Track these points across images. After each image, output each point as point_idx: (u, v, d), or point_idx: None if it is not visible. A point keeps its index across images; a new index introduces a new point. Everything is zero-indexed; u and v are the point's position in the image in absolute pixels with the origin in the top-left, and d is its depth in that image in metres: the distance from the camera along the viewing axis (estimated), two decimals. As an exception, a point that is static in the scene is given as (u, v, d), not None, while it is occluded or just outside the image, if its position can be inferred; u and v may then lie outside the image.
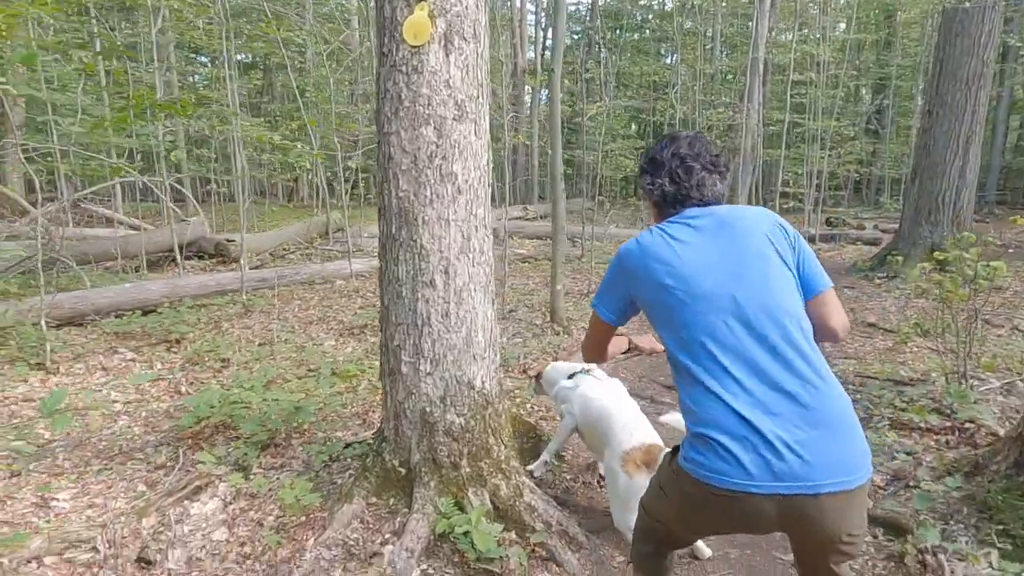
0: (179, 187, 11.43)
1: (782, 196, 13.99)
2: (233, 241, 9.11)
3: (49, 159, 9.85)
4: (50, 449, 3.54)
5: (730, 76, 23.46)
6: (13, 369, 4.74)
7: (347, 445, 3.29)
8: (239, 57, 19.67)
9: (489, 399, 2.78)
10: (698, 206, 1.64)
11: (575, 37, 27.12)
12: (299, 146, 5.13)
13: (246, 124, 6.54)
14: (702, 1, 19.46)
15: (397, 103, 2.51)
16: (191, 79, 19.55)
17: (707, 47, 21.52)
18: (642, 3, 28.28)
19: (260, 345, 5.14)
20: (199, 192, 18.59)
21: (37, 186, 6.31)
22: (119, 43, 10.18)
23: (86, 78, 8.78)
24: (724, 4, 21.59)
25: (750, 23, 19.75)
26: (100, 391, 4.52)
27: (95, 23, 10.47)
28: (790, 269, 1.52)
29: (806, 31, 18.34)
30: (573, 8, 29.52)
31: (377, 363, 4.61)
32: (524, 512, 2.61)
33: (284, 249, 9.87)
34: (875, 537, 2.64)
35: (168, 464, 3.37)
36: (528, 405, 3.94)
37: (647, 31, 28.32)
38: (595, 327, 1.79)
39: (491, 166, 2.75)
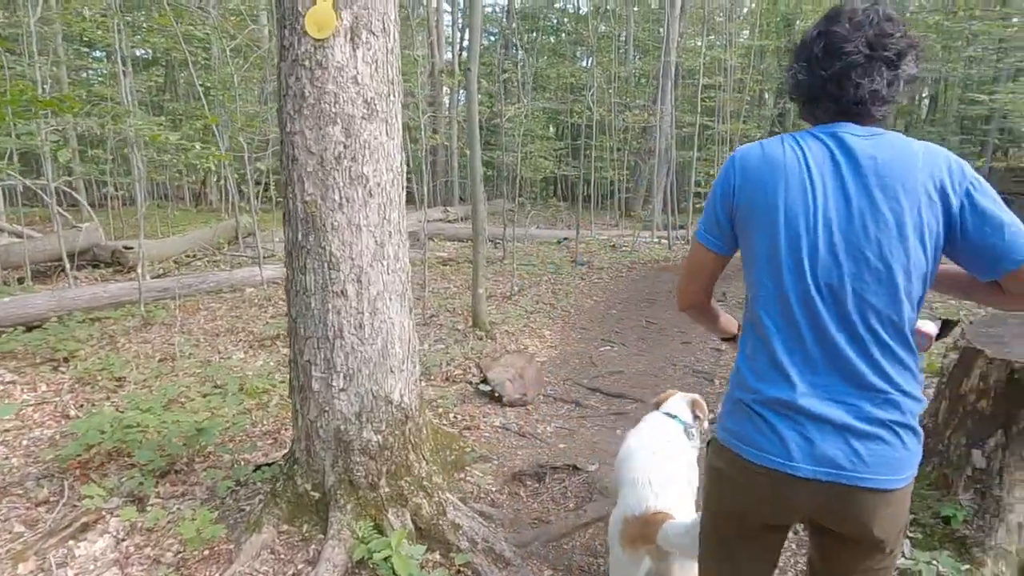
0: (70, 191, 10.56)
1: (695, 196, 14.47)
2: (131, 248, 8.49)
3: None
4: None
5: (643, 80, 24.08)
6: None
7: (256, 468, 3.06)
8: (138, 52, 18.47)
9: (409, 413, 2.64)
10: (853, 120, 1.29)
11: (492, 38, 27.11)
12: (198, 147, 4.78)
13: (141, 123, 6.07)
14: (616, 5, 19.85)
15: (300, 100, 2.33)
16: (84, 74, 18.20)
17: (621, 51, 21.99)
18: (557, 6, 28.61)
19: (160, 361, 4.77)
20: (95, 196, 17.31)
21: None
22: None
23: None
24: (636, 8, 22.13)
25: (661, 28, 20.36)
26: (-28, 419, 4.06)
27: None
28: (928, 248, 1.23)
29: (712, 37, 19.05)
30: (489, 9, 29.51)
31: (287, 376, 4.37)
32: (448, 531, 2.49)
33: (189, 256, 9.29)
34: (795, 532, 2.69)
35: (51, 499, 3.04)
36: (451, 415, 3.81)
37: (562, 34, 28.69)
38: (696, 256, 1.47)
39: (406, 167, 2.61)
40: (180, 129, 10.86)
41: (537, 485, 3.15)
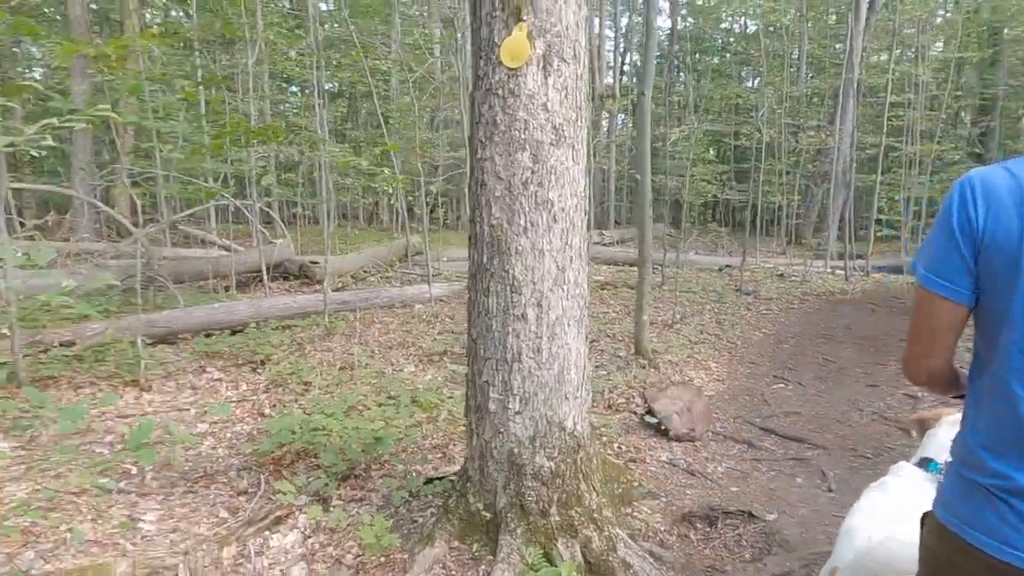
0: (268, 210, 11.88)
1: (876, 223, 13.21)
2: (317, 263, 9.31)
3: (151, 183, 10.45)
4: (139, 470, 3.59)
5: (816, 99, 22.59)
6: (109, 385, 4.91)
7: (427, 481, 3.16)
8: (327, 86, 20.51)
9: (581, 442, 2.59)
10: None
11: (656, 61, 26.89)
12: (386, 171, 5.15)
13: (334, 150, 6.68)
14: (789, 22, 18.84)
15: (492, 128, 2.40)
16: (282, 107, 20.50)
17: (792, 69, 20.80)
18: (723, 26, 27.76)
19: (340, 369, 5.14)
20: (285, 215, 19.35)
21: (139, 208, 6.60)
22: (218, 74, 10.74)
23: (187, 107, 9.29)
24: (811, 24, 20.85)
25: (839, 44, 18.95)
26: (188, 410, 4.61)
27: (197, 56, 11.11)
28: None
29: (899, 51, 17.43)
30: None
31: (458, 393, 4.51)
32: (619, 569, 2.39)
33: (364, 272, 10.02)
34: None
35: (250, 490, 3.34)
36: (615, 445, 3.71)
37: (727, 54, 27.75)
38: (928, 310, 1.19)
39: (589, 192, 2.59)
40: (360, 155, 11.80)
41: (708, 529, 2.96)
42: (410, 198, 11.37)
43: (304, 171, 15.08)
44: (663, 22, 25.26)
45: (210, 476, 3.55)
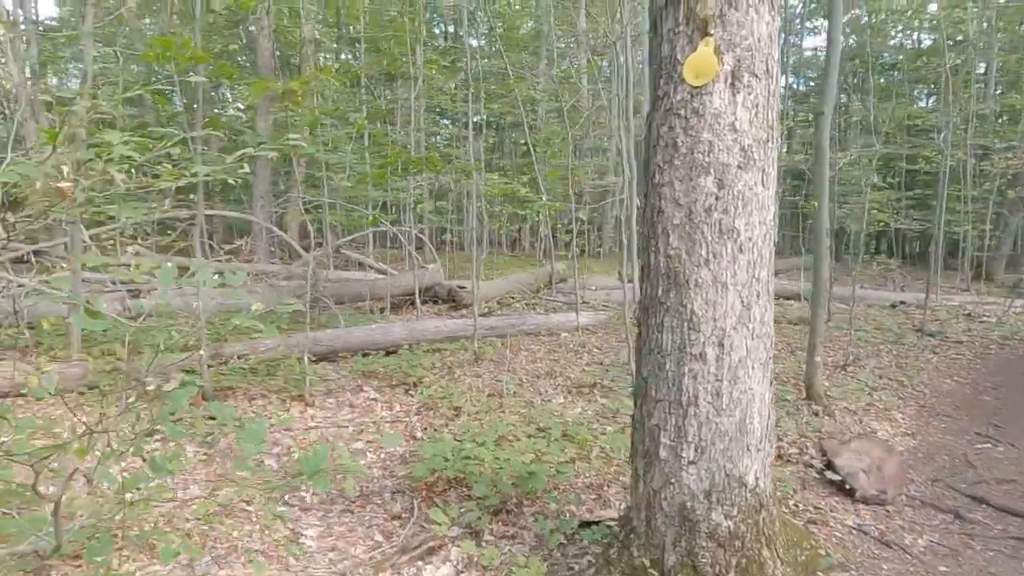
0: (420, 236, 12.43)
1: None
2: (464, 288, 9.53)
3: (319, 210, 11.31)
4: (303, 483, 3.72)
5: (1003, 118, 20.04)
6: (278, 399, 5.23)
7: (583, 524, 2.98)
8: (476, 118, 21.36)
9: (763, 500, 2.29)
10: None
11: (811, 84, 25.23)
12: (544, 198, 5.13)
13: (490, 177, 6.81)
14: (973, 35, 16.91)
15: (672, 151, 2.22)
16: (434, 139, 21.58)
17: (979, 84, 18.59)
18: (892, 43, 25.53)
19: (489, 396, 5.12)
20: (435, 241, 20.24)
21: (311, 233, 7.08)
22: (383, 108, 11.48)
23: (353, 140, 10.00)
24: (1001, 35, 18.58)
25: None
26: (346, 427, 4.78)
27: (364, 92, 11.96)
28: None
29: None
30: (809, 54, 27.63)
31: (610, 429, 4.31)
32: (810, 655, 2.06)
33: (510, 298, 10.11)
34: None
35: (403, 515, 3.35)
36: (791, 502, 3.32)
37: (895, 72, 25.45)
38: None
39: (777, 220, 2.33)
40: (510, 183, 12.03)
41: (913, 616, 2.51)
42: (559, 225, 11.40)
43: (453, 199, 15.70)
44: (822, 41, 23.68)
45: (366, 496, 3.61)
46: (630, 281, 12.21)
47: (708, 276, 2.19)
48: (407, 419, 4.87)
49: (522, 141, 21.60)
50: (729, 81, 2.16)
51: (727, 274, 2.19)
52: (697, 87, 2.18)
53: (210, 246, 11.99)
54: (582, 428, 4.16)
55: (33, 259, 8.67)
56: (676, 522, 2.28)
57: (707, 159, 2.17)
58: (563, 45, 20.21)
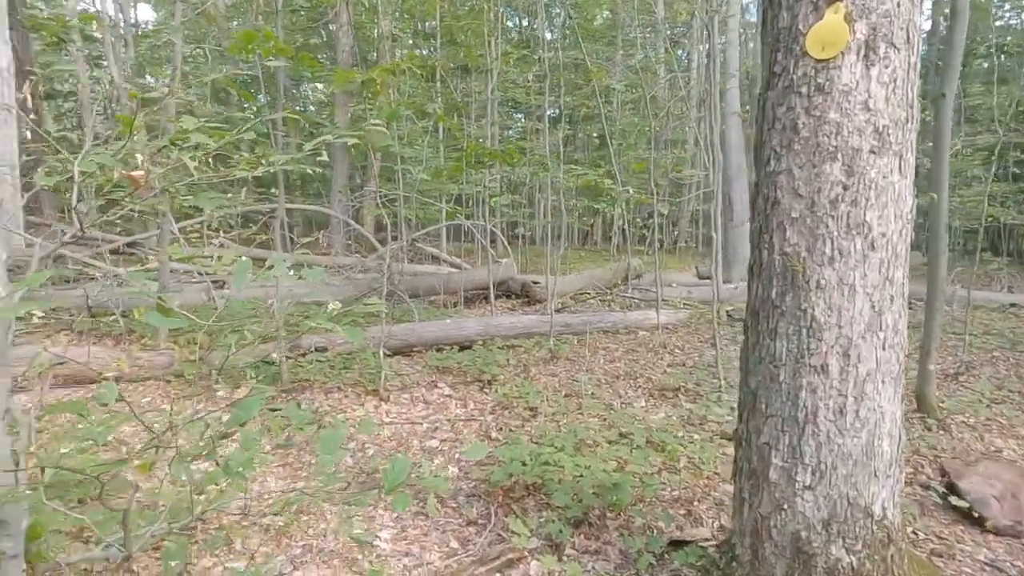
0: (493, 230, 12.33)
1: None
2: (538, 283, 9.36)
3: (395, 204, 11.39)
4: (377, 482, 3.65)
5: None
6: (354, 392, 5.21)
7: (673, 543, 2.75)
8: (550, 112, 21.12)
9: (892, 534, 2.00)
10: None
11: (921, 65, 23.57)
12: (631, 191, 4.88)
13: (574, 168, 6.60)
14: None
15: (790, 134, 1.96)
16: (506, 132, 21.50)
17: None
18: (998, 23, 23.54)
19: (566, 396, 4.92)
20: (507, 235, 20.19)
21: (387, 227, 7.07)
22: (458, 101, 11.44)
23: (428, 134, 10.00)
24: None
25: None
26: (420, 424, 4.70)
27: (439, 85, 11.95)
28: None
29: None
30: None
31: (697, 437, 4.03)
32: None
33: (585, 294, 9.86)
34: None
35: (479, 521, 3.21)
36: (910, 529, 2.96)
37: (1002, 55, 23.43)
38: None
39: (914, 214, 2.02)
40: (580, 177, 11.77)
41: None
42: (636, 219, 11.06)
43: (526, 192, 15.56)
44: (924, 24, 22.05)
45: (440, 499, 3.49)
46: (707, 278, 11.75)
47: (833, 276, 1.92)
48: (482, 418, 4.74)
49: (595, 135, 21.22)
50: (862, 53, 1.87)
51: (855, 275, 1.90)
52: (823, 60, 1.90)
53: (290, 239, 12.31)
54: (667, 435, 3.91)
55: (128, 249, 9.09)
56: (788, 553, 2.02)
57: (833, 143, 1.89)
58: (641, 35, 19.69)
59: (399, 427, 4.68)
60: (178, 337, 6.22)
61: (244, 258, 1.74)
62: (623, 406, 4.71)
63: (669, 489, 3.37)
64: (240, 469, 1.94)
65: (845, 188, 1.89)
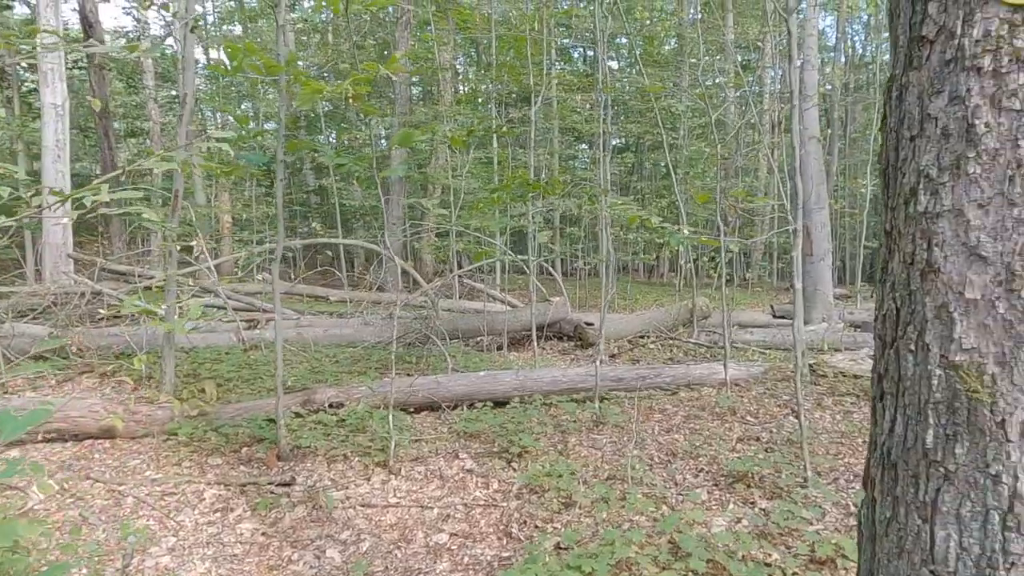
0: (547, 266, 11.54)
1: None
2: (592, 325, 8.48)
3: (446, 239, 10.80)
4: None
5: None
6: (361, 464, 4.46)
7: None
8: (615, 141, 20.34)
9: None
10: None
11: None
12: (686, 231, 4.01)
13: (616, 203, 5.76)
14: None
15: (960, 144, 1.08)
16: (569, 163, 20.82)
17: None
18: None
19: (608, 480, 4.00)
20: (567, 268, 19.33)
21: (449, 260, 6.39)
22: (514, 130, 10.82)
23: (478, 163, 9.41)
24: None
25: None
26: (431, 508, 3.89)
27: (496, 115, 11.38)
28: None
29: None
30: None
31: (775, 556, 3.01)
32: None
33: (642, 339, 8.88)
34: None
35: None
36: None
37: None
38: None
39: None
40: (646, 207, 10.88)
41: None
42: (701, 256, 10.06)
43: (587, 225, 14.75)
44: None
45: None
46: (783, 317, 10.50)
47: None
48: (504, 504, 3.88)
49: (662, 163, 20.23)
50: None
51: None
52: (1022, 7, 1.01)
53: (349, 273, 11.87)
54: (736, 556, 2.93)
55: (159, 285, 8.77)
56: None
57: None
58: (708, 58, 18.73)
59: (405, 511, 3.89)
60: (183, 389, 5.67)
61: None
62: (679, 497, 3.74)
63: (738, 648, 2.41)
64: None
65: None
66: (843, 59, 21.23)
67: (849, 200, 19.08)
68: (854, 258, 15.73)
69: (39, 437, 4.78)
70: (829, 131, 19.11)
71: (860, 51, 22.49)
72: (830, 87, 18.42)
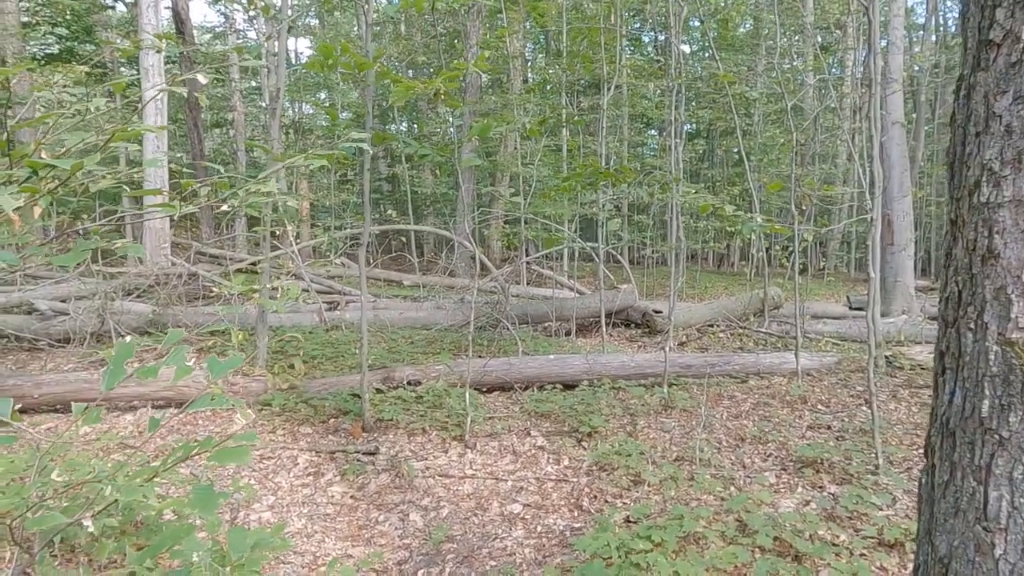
0: (615, 253, 11.59)
1: None
2: (660, 312, 8.51)
3: (515, 226, 11.01)
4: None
5: None
6: (439, 437, 4.74)
7: None
8: (686, 127, 20.00)
9: None
10: None
11: None
12: (759, 219, 4.05)
13: (687, 190, 5.80)
14: None
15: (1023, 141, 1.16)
16: (638, 149, 20.62)
17: None
18: None
19: (676, 461, 4.12)
20: (635, 254, 19.22)
21: (502, 248, 6.62)
22: (584, 119, 10.89)
23: (548, 151, 9.55)
24: None
25: None
26: (506, 481, 4.12)
27: (567, 103, 11.47)
28: None
29: None
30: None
31: (843, 537, 3.08)
32: None
33: (711, 327, 8.85)
34: None
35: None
36: None
37: None
38: None
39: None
40: (718, 195, 10.76)
41: None
42: (774, 244, 9.89)
43: (656, 212, 14.66)
44: None
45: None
46: (860, 309, 10.19)
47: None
48: (575, 479, 4.07)
49: (735, 150, 19.79)
50: None
51: None
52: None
53: (419, 258, 12.28)
54: (803, 536, 3.02)
55: (252, 268, 9.35)
56: None
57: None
58: (785, 40, 18.13)
59: (480, 482, 4.13)
60: (274, 364, 6.12)
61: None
62: (747, 479, 3.83)
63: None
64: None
65: None
66: (933, 38, 20.11)
67: (937, 188, 18.15)
68: (940, 248, 15.03)
69: (149, 405, 5.28)
70: (915, 115, 18.19)
71: (953, 29, 21.20)
72: (917, 69, 17.51)
